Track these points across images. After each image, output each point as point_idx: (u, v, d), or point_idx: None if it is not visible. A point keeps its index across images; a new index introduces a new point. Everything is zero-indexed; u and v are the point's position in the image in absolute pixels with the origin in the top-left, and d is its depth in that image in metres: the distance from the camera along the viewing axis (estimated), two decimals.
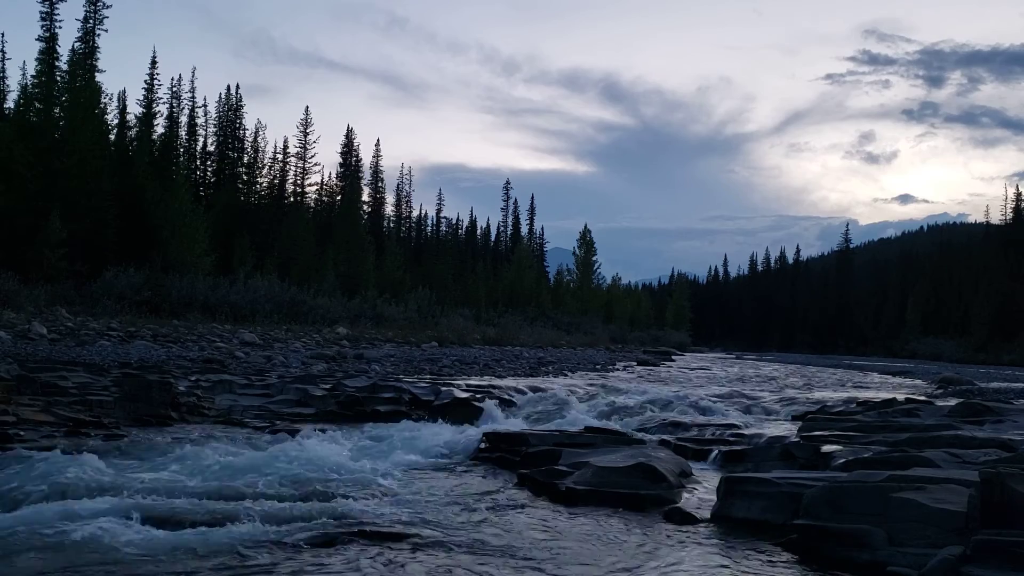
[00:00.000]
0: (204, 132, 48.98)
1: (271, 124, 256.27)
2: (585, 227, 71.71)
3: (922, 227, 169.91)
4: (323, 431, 8.58)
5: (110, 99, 38.41)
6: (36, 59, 34.07)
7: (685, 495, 6.32)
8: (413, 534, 4.87)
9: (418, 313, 41.64)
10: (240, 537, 4.63)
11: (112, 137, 38.72)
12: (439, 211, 73.29)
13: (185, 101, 47.08)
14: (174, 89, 46.05)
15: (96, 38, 36.70)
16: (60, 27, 34.42)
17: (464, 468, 7.47)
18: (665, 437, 8.76)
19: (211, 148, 49.42)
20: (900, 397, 12.96)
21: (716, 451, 8.08)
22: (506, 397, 11.91)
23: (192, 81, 53.26)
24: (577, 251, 72.34)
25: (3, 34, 40.01)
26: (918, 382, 23.02)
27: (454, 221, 76.38)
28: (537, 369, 20.99)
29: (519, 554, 4.63)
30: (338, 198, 53.57)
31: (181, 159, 44.92)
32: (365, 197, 57.89)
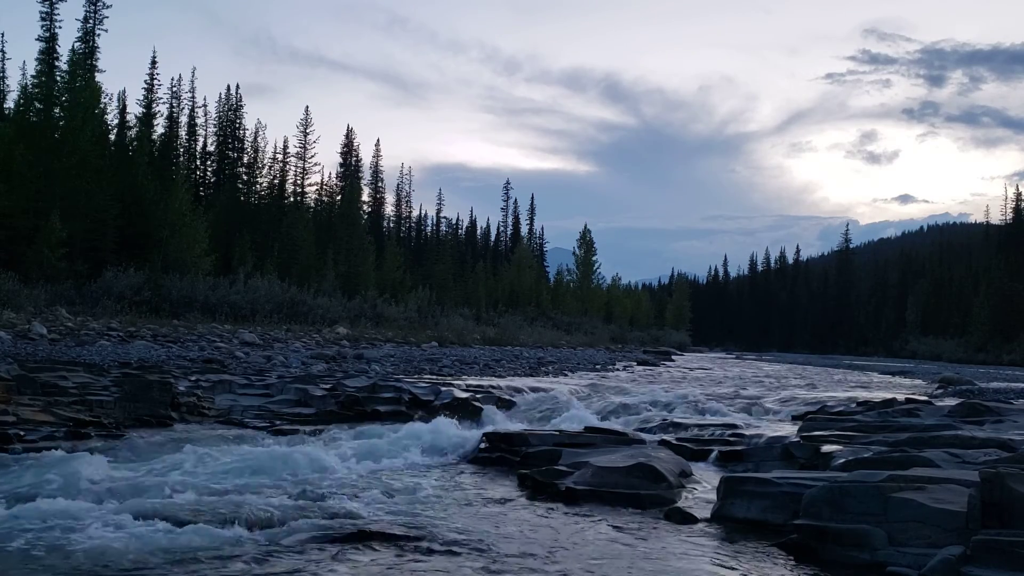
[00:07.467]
0: (204, 132, 49.11)
1: (271, 124, 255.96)
2: (585, 227, 71.76)
3: (922, 227, 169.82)
4: (323, 431, 8.59)
5: (110, 99, 38.45)
6: (36, 59, 34.15)
7: (685, 495, 6.32)
8: (413, 534, 4.86)
9: (418, 313, 41.63)
10: (239, 537, 4.63)
11: (112, 137, 38.73)
12: (439, 211, 73.49)
13: (185, 101, 47.20)
14: (174, 89, 46.14)
15: (96, 38, 36.74)
16: (60, 27, 34.50)
17: (464, 468, 7.48)
18: (665, 437, 8.76)
19: (211, 148, 49.52)
20: (900, 397, 12.96)
21: (716, 451, 8.09)
22: (506, 397, 11.91)
23: (192, 81, 53.20)
24: (577, 251, 72.34)
25: (3, 34, 40.04)
26: (918, 382, 23.01)
27: (454, 221, 76.62)
28: (537, 369, 20.98)
29: (519, 554, 4.63)
30: (338, 198, 53.52)
31: (181, 159, 44.96)
32: (365, 197, 57.93)
